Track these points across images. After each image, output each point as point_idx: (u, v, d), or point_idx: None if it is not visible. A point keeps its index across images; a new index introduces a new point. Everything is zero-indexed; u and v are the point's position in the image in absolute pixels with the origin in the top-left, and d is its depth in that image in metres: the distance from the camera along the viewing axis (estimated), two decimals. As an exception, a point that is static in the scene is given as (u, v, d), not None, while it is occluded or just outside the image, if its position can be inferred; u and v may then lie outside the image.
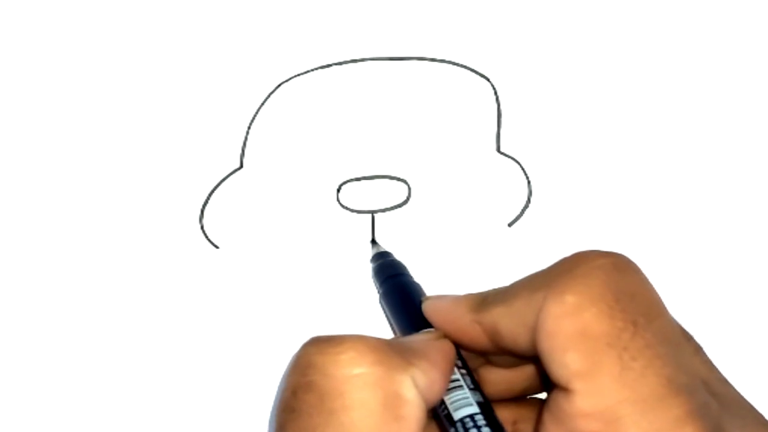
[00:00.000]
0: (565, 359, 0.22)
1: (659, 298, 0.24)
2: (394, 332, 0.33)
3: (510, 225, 0.37)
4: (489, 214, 0.38)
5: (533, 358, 0.24)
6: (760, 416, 0.25)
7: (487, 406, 0.25)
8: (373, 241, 0.37)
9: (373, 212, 0.38)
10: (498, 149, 0.38)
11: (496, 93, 0.39)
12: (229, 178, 0.38)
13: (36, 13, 0.40)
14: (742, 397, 0.25)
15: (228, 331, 0.36)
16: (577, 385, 0.22)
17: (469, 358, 0.27)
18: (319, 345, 0.24)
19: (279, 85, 0.39)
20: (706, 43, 0.40)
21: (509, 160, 0.38)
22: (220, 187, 0.38)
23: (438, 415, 0.26)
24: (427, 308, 0.29)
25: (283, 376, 0.24)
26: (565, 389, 0.22)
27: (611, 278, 0.23)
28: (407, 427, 0.23)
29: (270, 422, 0.24)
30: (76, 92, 0.39)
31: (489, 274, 0.36)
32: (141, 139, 0.38)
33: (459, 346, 0.27)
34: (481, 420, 0.24)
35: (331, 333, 0.24)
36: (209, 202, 0.38)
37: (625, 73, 0.39)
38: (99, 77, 0.39)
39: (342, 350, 0.23)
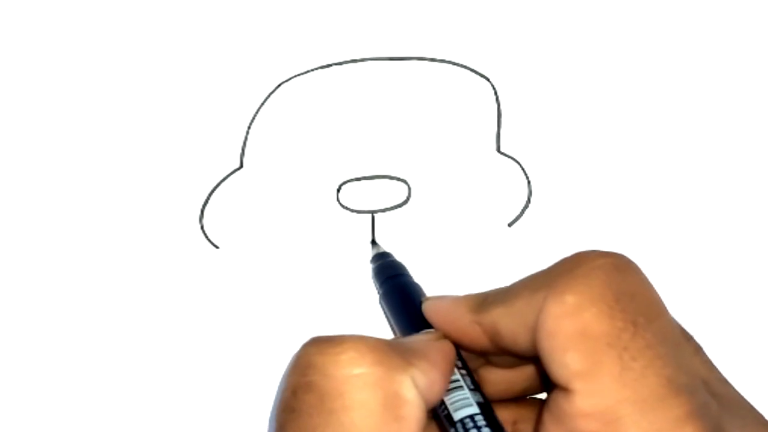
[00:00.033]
0: (566, 359, 0.22)
1: (659, 298, 0.24)
2: (394, 333, 0.33)
3: (510, 225, 0.37)
4: (489, 214, 0.37)
5: (533, 358, 0.24)
6: (760, 416, 0.25)
7: (487, 407, 0.25)
8: (373, 242, 0.37)
9: (373, 212, 0.38)
10: (498, 149, 0.38)
11: (496, 93, 0.39)
12: (229, 178, 0.38)
13: (36, 13, 0.40)
14: (742, 398, 0.25)
15: (228, 332, 0.36)
16: (577, 385, 0.22)
17: (469, 358, 0.27)
18: (319, 345, 0.24)
19: (279, 85, 0.39)
20: (706, 43, 0.40)
21: (509, 160, 0.38)
22: (220, 187, 0.38)
23: (438, 415, 0.26)
24: (427, 309, 0.29)
25: (283, 376, 0.24)
26: (565, 389, 0.22)
27: (611, 278, 0.23)
28: (407, 428, 0.23)
29: (270, 422, 0.24)
30: (76, 92, 0.39)
31: (489, 274, 0.36)
32: (141, 139, 0.38)
33: (459, 347, 0.27)
34: (481, 420, 0.24)
35: (331, 333, 0.24)
36: (209, 202, 0.38)
37: (625, 74, 0.39)
38: (99, 77, 0.39)
39: (342, 350, 0.23)
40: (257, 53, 0.39)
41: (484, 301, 0.26)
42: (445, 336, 0.27)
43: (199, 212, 0.37)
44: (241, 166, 0.38)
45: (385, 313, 0.34)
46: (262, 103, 0.39)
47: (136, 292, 0.36)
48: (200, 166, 0.38)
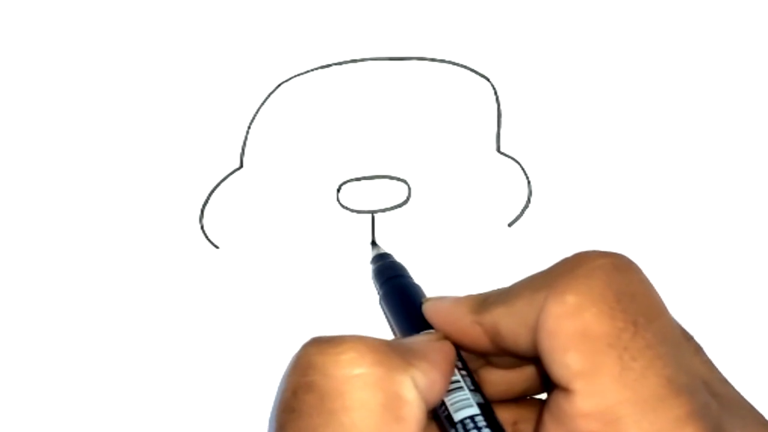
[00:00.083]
0: (566, 359, 0.22)
1: (660, 298, 0.24)
2: (394, 334, 0.33)
3: (510, 225, 0.37)
4: (489, 214, 0.37)
5: (533, 358, 0.24)
6: (760, 416, 0.25)
7: (487, 407, 0.25)
8: (374, 243, 0.37)
9: (373, 212, 0.38)
10: (498, 149, 0.38)
11: (496, 93, 0.39)
12: (229, 178, 0.38)
13: (36, 14, 0.40)
14: (742, 398, 0.25)
15: (228, 332, 0.36)
16: (577, 385, 0.22)
17: (469, 359, 0.27)
18: (319, 345, 0.24)
19: (279, 85, 0.39)
20: (706, 43, 0.40)
21: (509, 160, 0.38)
22: (220, 187, 0.38)
23: (438, 416, 0.26)
24: (428, 309, 0.29)
25: (284, 376, 0.24)
26: (565, 389, 0.22)
27: (612, 278, 0.23)
28: (407, 428, 0.23)
29: (270, 422, 0.24)
30: (76, 92, 0.39)
31: (489, 274, 0.36)
32: (141, 139, 0.38)
33: (459, 348, 0.27)
34: (481, 421, 0.24)
35: (332, 334, 0.24)
36: (209, 202, 0.38)
37: (625, 74, 0.39)
38: (99, 77, 0.39)
39: (342, 351, 0.23)
40: (257, 53, 0.39)
41: (484, 302, 0.26)
42: (446, 337, 0.27)
43: (199, 212, 0.37)
44: (241, 166, 0.38)
45: (385, 314, 0.34)
46: (262, 103, 0.39)
47: (136, 292, 0.36)
48: (200, 166, 0.38)
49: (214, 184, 0.38)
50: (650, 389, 0.21)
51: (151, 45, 0.39)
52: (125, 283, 0.36)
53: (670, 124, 0.39)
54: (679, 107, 0.39)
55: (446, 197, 0.38)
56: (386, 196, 0.38)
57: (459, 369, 0.26)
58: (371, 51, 0.39)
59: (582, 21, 0.40)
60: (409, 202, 0.38)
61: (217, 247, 0.37)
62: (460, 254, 0.37)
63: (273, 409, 0.24)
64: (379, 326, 0.35)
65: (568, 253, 0.24)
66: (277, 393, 0.24)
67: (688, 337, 0.26)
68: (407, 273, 0.34)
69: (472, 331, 0.26)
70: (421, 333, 0.28)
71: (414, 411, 0.23)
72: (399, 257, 0.35)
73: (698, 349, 0.26)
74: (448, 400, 0.25)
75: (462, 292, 0.28)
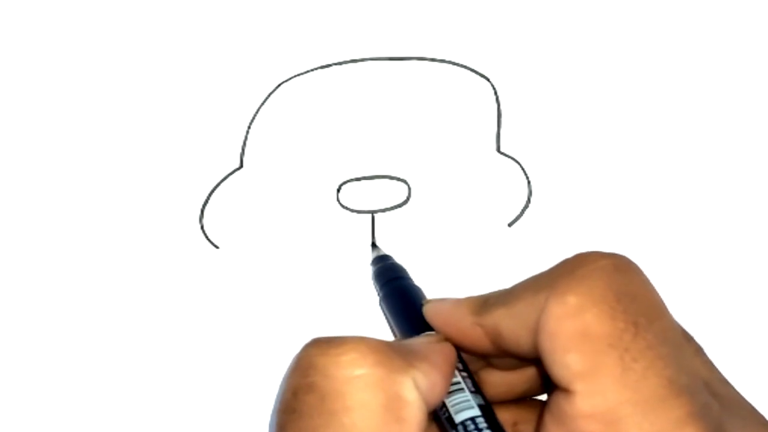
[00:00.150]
0: (567, 360, 0.22)
1: (660, 299, 0.24)
2: (395, 335, 0.33)
3: (510, 225, 0.37)
4: (489, 214, 0.37)
5: (534, 360, 0.24)
6: (760, 417, 0.25)
7: (488, 409, 0.25)
8: (374, 245, 0.37)
9: (373, 212, 0.38)
10: (498, 149, 0.38)
11: (496, 93, 0.39)
12: (229, 178, 0.38)
13: (36, 13, 0.40)
14: (742, 398, 0.25)
15: (228, 332, 0.36)
16: (578, 386, 0.22)
17: (470, 360, 0.27)
18: (320, 346, 0.24)
19: (279, 85, 0.39)
20: (706, 43, 0.39)
21: (509, 160, 0.38)
22: (220, 187, 0.38)
23: (439, 417, 0.26)
24: (428, 311, 0.29)
25: (284, 377, 0.24)
26: (566, 390, 0.22)
27: (613, 279, 0.23)
28: (408, 429, 0.23)
29: (270, 423, 0.24)
30: (75, 93, 0.39)
31: (489, 274, 0.36)
32: (141, 139, 0.38)
33: (460, 349, 0.27)
34: (482, 423, 0.24)
35: (332, 334, 0.24)
36: (209, 202, 0.38)
37: (625, 74, 0.39)
38: (99, 77, 0.39)
39: (343, 351, 0.23)
40: (257, 53, 0.39)
41: (485, 303, 0.26)
42: (446, 338, 0.27)
43: (199, 212, 0.37)
44: (241, 166, 0.38)
45: (385, 315, 0.34)
46: (262, 103, 0.38)
47: (136, 292, 0.36)
48: (200, 166, 0.38)
49: (214, 184, 0.38)
50: (651, 390, 0.21)
51: (151, 45, 0.39)
52: (125, 283, 0.36)
53: (671, 124, 0.39)
54: (679, 107, 0.39)
55: (446, 197, 0.38)
56: (386, 196, 0.38)
57: (460, 370, 0.26)
58: (371, 51, 0.39)
59: (582, 21, 0.40)
60: (409, 202, 0.38)
61: (217, 247, 0.37)
62: (460, 254, 0.37)
63: (273, 409, 0.24)
64: (379, 327, 0.35)
65: (569, 254, 0.24)
66: (278, 394, 0.24)
67: (689, 338, 0.26)
68: (407, 275, 0.34)
69: (473, 333, 0.26)
70: (422, 335, 0.28)
71: (415, 412, 0.23)
72: (399, 257, 0.35)
73: (699, 350, 0.26)
74: (449, 402, 0.25)
75: (462, 291, 0.28)
